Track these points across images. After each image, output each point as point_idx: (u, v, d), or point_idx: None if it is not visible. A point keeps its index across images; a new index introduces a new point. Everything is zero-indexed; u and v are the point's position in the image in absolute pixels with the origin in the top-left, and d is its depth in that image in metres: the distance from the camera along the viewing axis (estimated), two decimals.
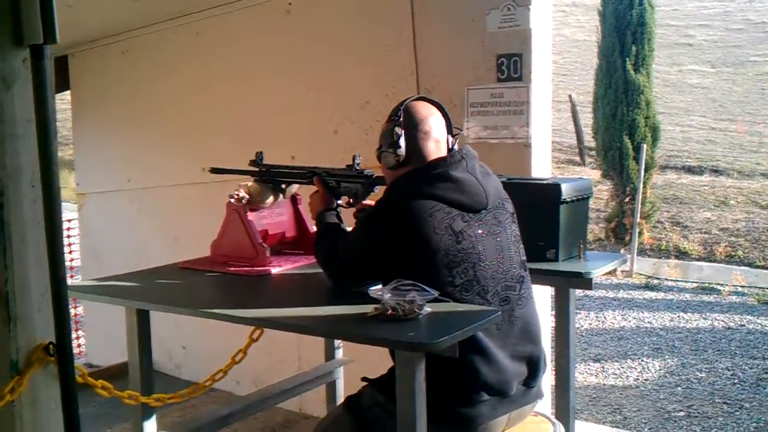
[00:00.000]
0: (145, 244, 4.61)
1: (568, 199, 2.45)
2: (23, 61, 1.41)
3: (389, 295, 1.68)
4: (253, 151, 2.48)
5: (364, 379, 1.97)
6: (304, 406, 3.84)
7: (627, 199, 8.75)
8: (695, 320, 6.26)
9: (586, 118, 10.84)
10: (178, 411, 3.78)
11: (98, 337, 5.09)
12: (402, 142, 1.93)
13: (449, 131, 2.00)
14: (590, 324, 6.24)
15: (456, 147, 1.99)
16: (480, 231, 1.87)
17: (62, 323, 1.42)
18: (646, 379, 4.89)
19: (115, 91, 4.80)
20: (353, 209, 2.26)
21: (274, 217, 2.51)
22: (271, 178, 2.45)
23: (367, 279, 1.92)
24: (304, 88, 3.71)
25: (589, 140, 11.07)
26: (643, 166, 8.44)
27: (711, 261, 8.33)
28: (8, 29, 1.39)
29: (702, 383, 4.77)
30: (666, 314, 6.45)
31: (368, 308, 1.73)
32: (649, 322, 6.24)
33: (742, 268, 8.00)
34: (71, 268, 5.38)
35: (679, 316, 6.37)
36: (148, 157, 4.60)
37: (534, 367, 1.92)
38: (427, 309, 1.69)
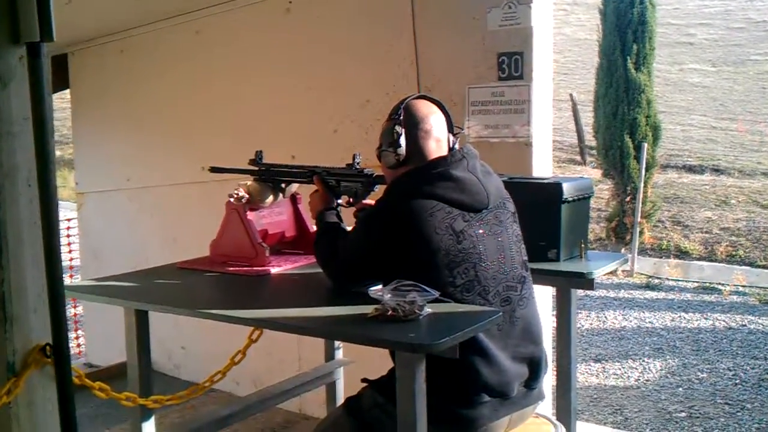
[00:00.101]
0: (145, 244, 4.60)
1: (570, 199, 2.43)
2: (20, 59, 1.40)
3: (389, 295, 1.67)
4: (253, 151, 2.47)
5: (364, 380, 1.96)
6: (303, 407, 3.83)
7: (628, 199, 8.74)
8: (696, 320, 6.24)
9: (587, 117, 10.83)
10: (177, 411, 3.76)
11: (98, 336, 5.07)
12: (402, 141, 1.91)
13: (450, 130, 1.98)
14: (591, 324, 6.23)
15: (457, 146, 1.97)
16: (481, 231, 1.86)
17: (59, 324, 1.40)
18: (647, 380, 4.87)
19: (114, 90, 4.78)
20: (353, 209, 2.25)
21: (273, 216, 2.50)
22: (270, 177, 2.44)
23: (367, 279, 1.91)
24: (304, 87, 3.69)
25: (589, 139, 11.06)
26: (644, 165, 8.43)
27: (712, 260, 8.31)
28: (5, 26, 1.38)
29: (703, 384, 4.75)
30: (667, 314, 6.44)
31: (368, 309, 1.72)
32: (650, 322, 6.22)
33: (743, 267, 7.98)
34: (71, 267, 5.38)
35: (680, 316, 6.36)
36: (147, 157, 4.59)
37: (535, 368, 1.91)
38: (428, 310, 1.68)
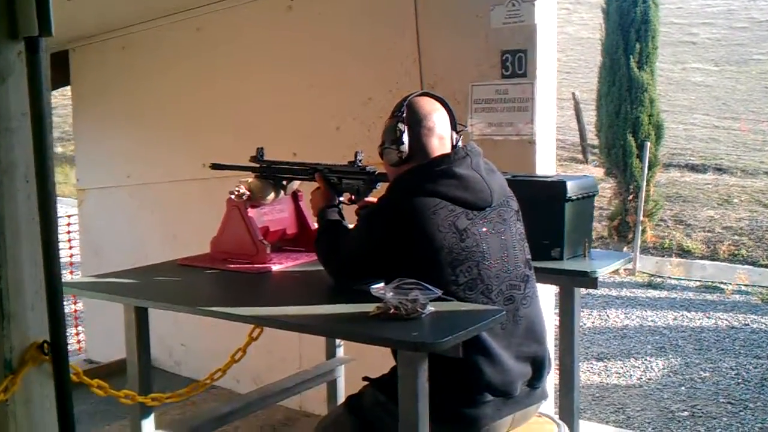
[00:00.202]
0: (145, 240, 4.59)
1: (574, 197, 2.41)
2: (18, 54, 1.38)
3: (392, 293, 1.65)
4: (254, 148, 2.45)
5: (365, 378, 1.94)
6: (304, 405, 3.83)
7: (630, 197, 8.72)
8: (699, 319, 6.23)
9: (590, 116, 10.80)
10: (177, 408, 3.76)
11: (98, 333, 5.07)
12: (405, 138, 1.89)
13: (453, 127, 1.96)
14: (593, 322, 6.22)
15: (460, 143, 1.95)
16: (484, 229, 1.84)
17: (57, 321, 1.39)
18: (649, 379, 4.86)
19: (115, 86, 4.78)
20: (355, 206, 2.24)
21: (275, 213, 2.49)
22: (272, 174, 2.42)
23: (368, 277, 1.89)
24: (306, 85, 3.68)
25: (592, 138, 11.04)
26: (646, 164, 8.40)
27: (714, 259, 8.29)
28: (3, 21, 1.36)
29: (706, 383, 4.74)
30: (669, 313, 6.42)
31: (370, 307, 1.70)
32: (652, 321, 6.21)
33: (746, 266, 7.96)
34: (71, 263, 5.37)
35: (682, 315, 6.34)
36: (148, 153, 4.58)
37: (539, 367, 1.89)
38: (430, 308, 1.66)
